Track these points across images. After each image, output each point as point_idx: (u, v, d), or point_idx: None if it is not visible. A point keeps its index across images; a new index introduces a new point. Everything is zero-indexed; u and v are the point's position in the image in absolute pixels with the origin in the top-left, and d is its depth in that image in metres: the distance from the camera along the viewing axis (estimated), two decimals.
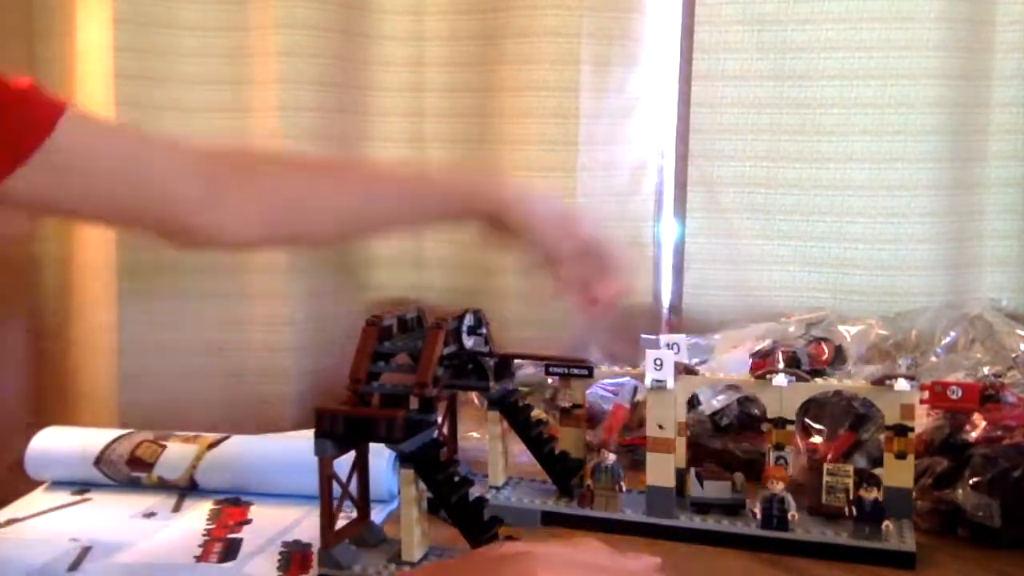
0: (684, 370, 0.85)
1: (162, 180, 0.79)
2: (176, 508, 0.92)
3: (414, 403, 0.75)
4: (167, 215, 0.80)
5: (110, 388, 1.21)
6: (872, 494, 0.78)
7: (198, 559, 0.80)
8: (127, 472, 0.96)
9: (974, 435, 0.83)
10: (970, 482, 0.80)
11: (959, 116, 1.14)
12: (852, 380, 0.91)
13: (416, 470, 0.73)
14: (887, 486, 0.79)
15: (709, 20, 1.20)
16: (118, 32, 1.17)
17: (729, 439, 0.98)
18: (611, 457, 0.85)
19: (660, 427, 0.83)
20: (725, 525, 0.82)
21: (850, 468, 0.82)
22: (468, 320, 0.84)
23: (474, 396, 1.10)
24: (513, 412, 0.90)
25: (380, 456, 0.88)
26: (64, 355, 1.28)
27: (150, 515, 0.90)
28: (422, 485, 0.74)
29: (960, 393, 0.81)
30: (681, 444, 0.86)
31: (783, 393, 0.82)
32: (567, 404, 0.91)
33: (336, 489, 0.75)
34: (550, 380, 0.98)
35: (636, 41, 1.24)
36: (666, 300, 1.29)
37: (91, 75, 1.20)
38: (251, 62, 1.21)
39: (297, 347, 1.24)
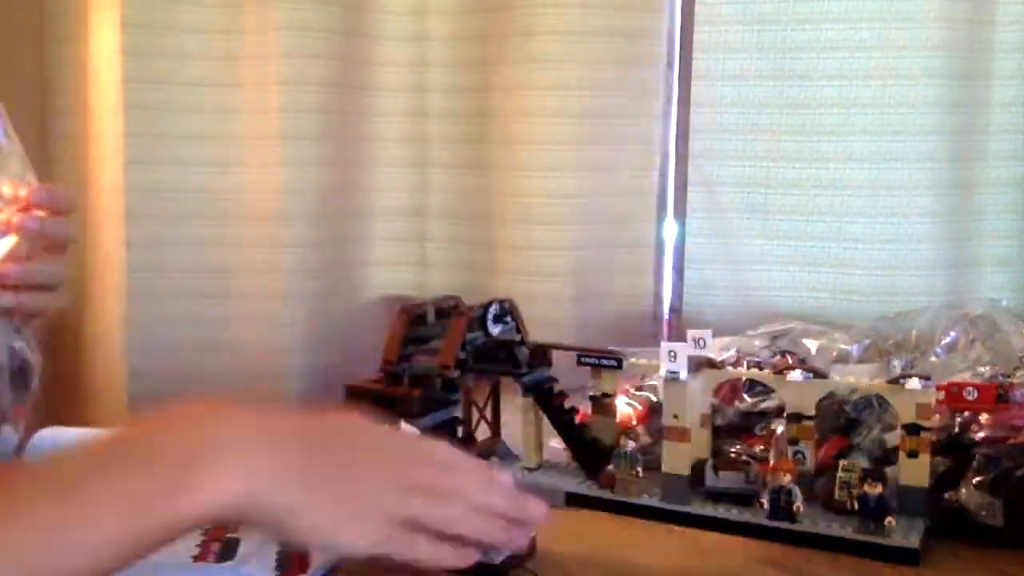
0: (708, 364, 0.88)
1: None
2: None
3: (440, 384, 0.85)
4: None
5: (119, 386, 1.22)
6: (876, 490, 0.78)
7: (195, 559, 0.79)
8: None
9: (981, 435, 0.82)
10: (973, 481, 0.80)
11: (959, 116, 1.14)
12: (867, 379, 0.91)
13: None
14: (902, 484, 0.80)
15: (709, 20, 1.21)
16: (126, 36, 1.17)
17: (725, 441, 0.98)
18: (631, 444, 0.88)
19: (675, 416, 0.85)
20: (735, 514, 0.84)
21: (858, 465, 0.82)
22: (494, 309, 0.91)
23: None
24: (546, 398, 0.94)
25: None
26: (73, 353, 1.28)
27: None
28: None
29: (976, 394, 0.81)
30: (702, 435, 0.88)
31: (802, 389, 0.84)
32: (597, 393, 0.94)
33: None
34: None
35: (637, 41, 1.24)
36: (667, 300, 1.29)
37: (104, 80, 1.21)
38: (252, 63, 1.21)
39: (298, 347, 1.24)
